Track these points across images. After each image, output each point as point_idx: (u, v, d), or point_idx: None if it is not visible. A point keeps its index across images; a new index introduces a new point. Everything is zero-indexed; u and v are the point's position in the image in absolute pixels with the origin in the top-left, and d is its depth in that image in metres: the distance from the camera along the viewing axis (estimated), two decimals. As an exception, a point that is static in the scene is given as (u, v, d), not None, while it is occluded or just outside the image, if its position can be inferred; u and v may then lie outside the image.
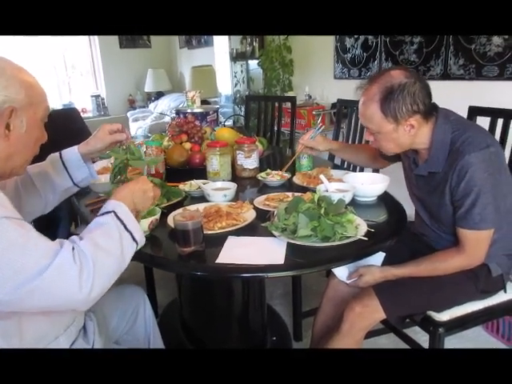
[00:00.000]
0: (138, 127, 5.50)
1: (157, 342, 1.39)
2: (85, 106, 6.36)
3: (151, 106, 6.21)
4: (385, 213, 1.34)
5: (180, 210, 1.30)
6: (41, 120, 0.97)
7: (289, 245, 1.07)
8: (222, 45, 4.62)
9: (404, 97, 1.15)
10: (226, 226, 1.16)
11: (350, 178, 1.47)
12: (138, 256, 1.09)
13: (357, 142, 2.13)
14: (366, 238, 1.06)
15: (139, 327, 1.36)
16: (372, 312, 1.30)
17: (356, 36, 3.16)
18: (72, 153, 1.28)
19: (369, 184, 1.43)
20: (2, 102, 0.86)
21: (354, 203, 1.37)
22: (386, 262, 1.41)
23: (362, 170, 1.99)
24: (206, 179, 1.65)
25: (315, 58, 3.61)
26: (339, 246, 1.05)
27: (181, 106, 4.71)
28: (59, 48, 5.94)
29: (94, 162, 1.45)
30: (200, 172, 1.72)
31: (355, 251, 1.06)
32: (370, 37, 3.05)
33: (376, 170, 1.77)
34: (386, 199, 1.42)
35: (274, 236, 1.11)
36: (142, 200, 1.04)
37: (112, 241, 0.88)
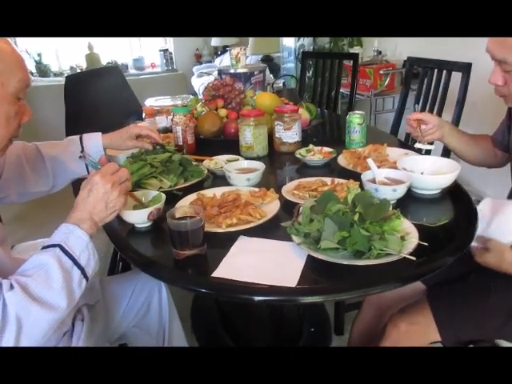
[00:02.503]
0: (201, 83, 5.34)
1: (174, 338, 1.25)
2: (154, 61, 6.35)
3: (217, 60, 6.00)
4: (448, 213, 1.04)
5: (194, 196, 1.12)
6: (13, 94, 0.81)
7: (309, 258, 0.83)
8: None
9: None
10: (236, 223, 0.94)
11: (407, 162, 1.16)
12: (128, 254, 0.93)
13: (435, 111, 1.73)
14: (413, 258, 0.79)
15: (151, 319, 1.22)
16: (422, 332, 1.05)
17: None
18: (95, 144, 1.21)
19: (431, 172, 1.12)
20: None
21: (410, 196, 1.08)
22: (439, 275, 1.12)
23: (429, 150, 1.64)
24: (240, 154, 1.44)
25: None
26: (375, 265, 0.78)
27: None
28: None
29: None
30: (235, 144, 1.50)
31: (396, 274, 0.79)
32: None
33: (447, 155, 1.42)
34: (452, 193, 1.11)
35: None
36: (107, 213, 0.84)
37: (51, 289, 0.71)
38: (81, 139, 1.20)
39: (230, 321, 1.70)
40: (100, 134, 1.23)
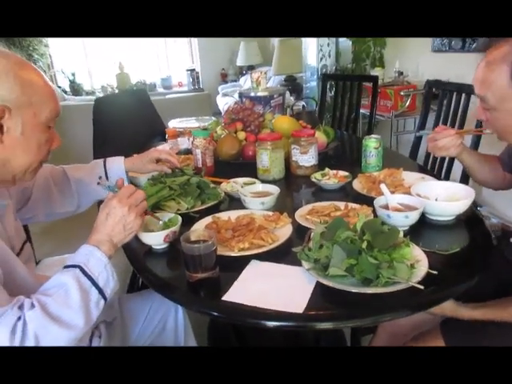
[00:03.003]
0: (224, 103, 5.44)
1: None
2: (181, 80, 6.52)
3: (242, 79, 6.12)
4: (462, 240, 1.04)
5: (209, 219, 1.15)
6: (44, 123, 0.87)
7: (318, 284, 0.85)
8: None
9: None
10: (249, 247, 0.97)
11: (421, 188, 1.17)
12: (144, 275, 0.97)
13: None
14: (421, 287, 0.79)
15: (167, 338, 1.25)
16: None
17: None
18: (117, 167, 1.28)
19: (446, 198, 1.12)
20: None
21: (424, 222, 1.08)
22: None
23: (447, 174, 1.62)
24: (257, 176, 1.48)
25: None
26: (383, 294, 0.79)
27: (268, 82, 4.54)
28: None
29: None
30: (253, 166, 1.54)
31: (407, 302, 0.80)
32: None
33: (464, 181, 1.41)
34: (467, 219, 1.10)
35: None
36: (125, 234, 0.89)
37: (70, 308, 0.75)
38: (104, 163, 1.27)
39: (246, 341, 1.71)
40: (123, 158, 1.29)
